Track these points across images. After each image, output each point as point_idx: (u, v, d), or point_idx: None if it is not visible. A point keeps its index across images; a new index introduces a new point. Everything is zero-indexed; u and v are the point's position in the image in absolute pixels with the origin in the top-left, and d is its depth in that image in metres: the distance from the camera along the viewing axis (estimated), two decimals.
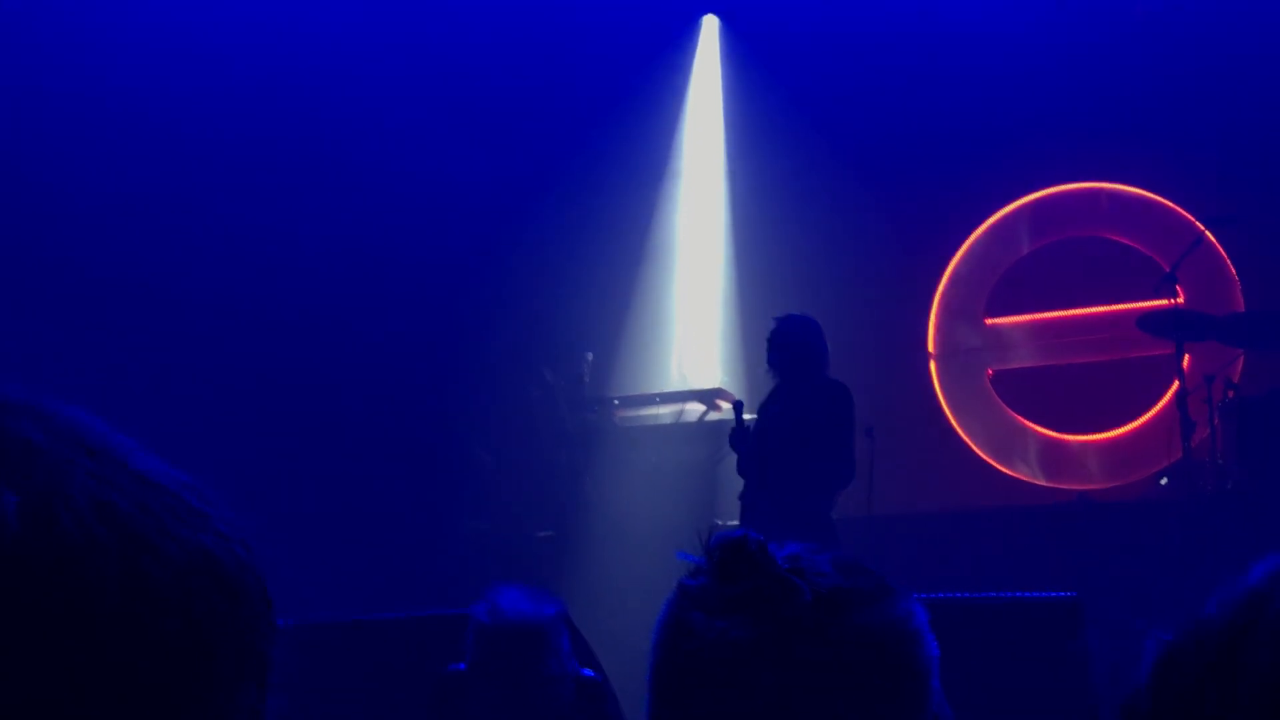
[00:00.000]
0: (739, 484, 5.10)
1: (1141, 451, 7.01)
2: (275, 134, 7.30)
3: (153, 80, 7.05)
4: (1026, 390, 7.54)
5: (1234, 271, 7.09)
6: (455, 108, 7.65)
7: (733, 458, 5.13)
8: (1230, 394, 5.72)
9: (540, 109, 7.77)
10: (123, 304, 6.94)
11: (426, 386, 7.24)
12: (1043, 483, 7.33)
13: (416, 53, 7.63)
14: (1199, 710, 0.60)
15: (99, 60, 6.97)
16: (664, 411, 7.20)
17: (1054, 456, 7.39)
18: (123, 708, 0.50)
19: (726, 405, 6.54)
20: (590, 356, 7.32)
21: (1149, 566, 5.32)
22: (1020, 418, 7.50)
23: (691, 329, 8.03)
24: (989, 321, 7.69)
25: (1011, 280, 7.67)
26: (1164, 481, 5.99)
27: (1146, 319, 6.01)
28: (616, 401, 7.27)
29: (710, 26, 8.46)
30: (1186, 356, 5.95)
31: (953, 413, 7.63)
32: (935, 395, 7.69)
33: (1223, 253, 7.01)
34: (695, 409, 7.11)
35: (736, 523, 5.05)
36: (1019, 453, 7.46)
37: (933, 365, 7.75)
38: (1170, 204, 7.28)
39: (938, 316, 7.77)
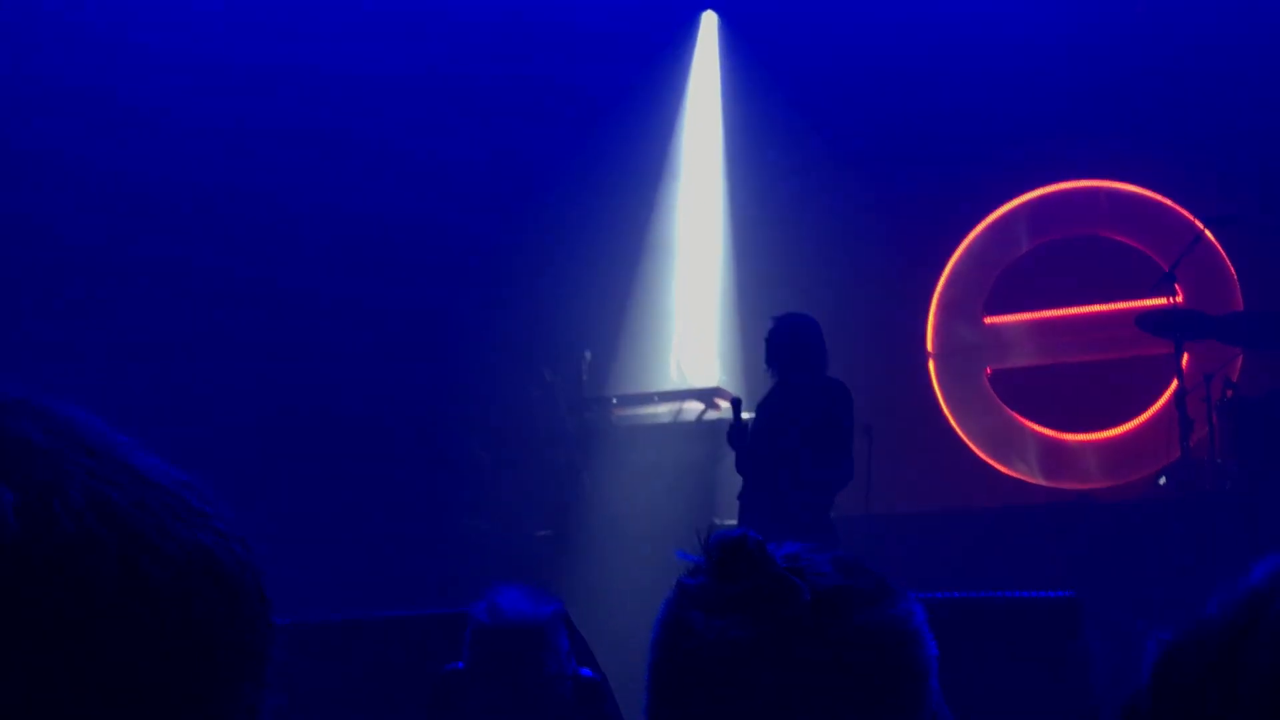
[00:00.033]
0: (738, 483, 5.09)
1: (1140, 451, 7.01)
2: (275, 133, 7.30)
3: (153, 75, 7.05)
4: (1025, 389, 7.54)
5: (1233, 271, 7.09)
6: (454, 106, 7.65)
7: (731, 457, 5.12)
8: (1229, 393, 5.72)
9: (539, 107, 7.77)
10: (122, 301, 6.94)
11: (425, 385, 7.24)
12: (1041, 482, 7.33)
13: (415, 50, 7.63)
14: (1200, 710, 0.60)
15: (99, 54, 6.96)
16: (662, 410, 7.20)
17: (1053, 456, 7.39)
18: (121, 706, 0.50)
19: (725, 404, 6.54)
20: (589, 355, 7.32)
21: (1148, 565, 5.32)
22: (1019, 417, 7.51)
23: (690, 327, 8.03)
24: (988, 320, 7.69)
25: (1010, 279, 7.67)
26: (1163, 481, 5.99)
27: (1145, 318, 6.01)
28: (615, 400, 7.27)
29: (709, 23, 8.45)
30: (1185, 355, 5.95)
31: (951, 412, 7.63)
32: (934, 394, 7.69)
33: (1222, 252, 7.02)
34: (694, 408, 7.11)
35: (735, 522, 5.05)
36: (1018, 452, 7.46)
37: (931, 364, 7.75)
38: (1169, 203, 7.28)
39: (936, 315, 7.77)
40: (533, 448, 6.97)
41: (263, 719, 0.57)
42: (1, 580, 0.49)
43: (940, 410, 7.64)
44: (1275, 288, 6.71)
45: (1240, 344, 6.23)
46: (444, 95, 7.62)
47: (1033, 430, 7.46)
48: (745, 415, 5.17)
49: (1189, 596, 4.43)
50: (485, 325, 7.43)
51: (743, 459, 5.00)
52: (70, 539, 0.50)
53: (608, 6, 7.87)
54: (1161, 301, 6.05)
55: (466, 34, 7.75)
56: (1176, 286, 5.94)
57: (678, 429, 6.96)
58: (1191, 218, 6.77)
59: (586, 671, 2.53)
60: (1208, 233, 6.21)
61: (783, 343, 5.03)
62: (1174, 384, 5.94)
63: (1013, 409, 7.53)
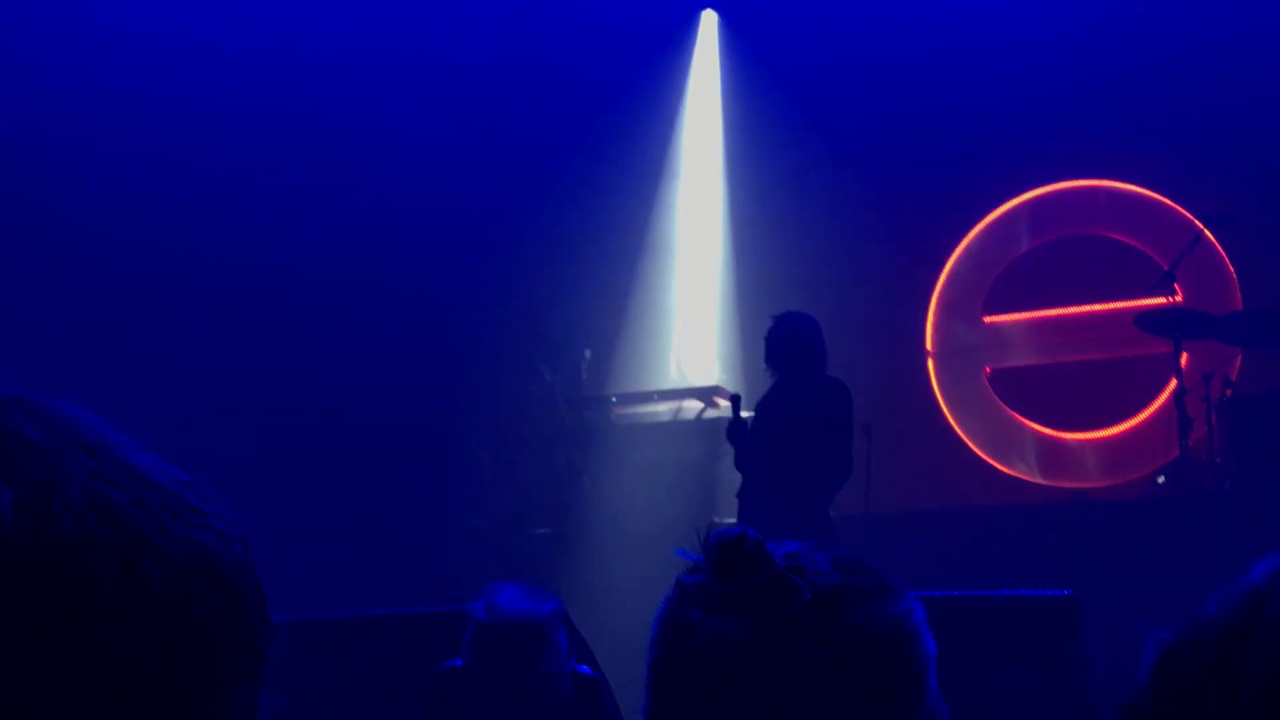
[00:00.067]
0: (737, 481, 5.09)
1: (1139, 450, 7.01)
2: (274, 129, 7.29)
3: (153, 80, 7.04)
4: (1024, 388, 7.54)
5: (1232, 270, 7.09)
6: (453, 105, 7.64)
7: (730, 455, 5.12)
8: (1228, 392, 5.72)
9: (538, 106, 7.76)
10: (122, 301, 6.93)
11: (425, 384, 7.24)
12: (1040, 481, 7.33)
13: (414, 49, 7.63)
14: (1199, 710, 0.60)
15: (99, 59, 6.96)
16: (662, 409, 7.20)
17: (1052, 455, 7.39)
18: (120, 705, 0.50)
19: (724, 402, 6.54)
20: (588, 354, 7.32)
21: (1146, 564, 5.32)
22: (1018, 416, 7.51)
23: (690, 326, 8.03)
24: (987, 319, 7.69)
25: (1010, 278, 7.67)
26: (1161, 480, 5.99)
27: (1144, 317, 6.02)
28: (614, 399, 7.27)
29: (709, 22, 8.45)
30: (1184, 355, 5.95)
31: (950, 411, 7.63)
32: (933, 393, 7.69)
33: (1221, 251, 7.02)
34: (693, 406, 7.11)
35: (735, 520, 5.05)
36: (1017, 451, 7.46)
37: (931, 363, 7.75)
38: (1169, 202, 7.28)
39: (936, 314, 7.77)
40: (532, 446, 6.97)
41: (262, 718, 0.57)
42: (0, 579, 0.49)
43: (939, 409, 7.64)
44: (1275, 287, 6.72)
45: (1239, 343, 6.23)
46: (445, 96, 7.61)
47: (1032, 429, 7.46)
48: (745, 414, 5.17)
49: (1188, 595, 4.43)
50: (485, 323, 7.43)
51: (742, 456, 5.00)
52: (69, 538, 0.50)
53: (608, 5, 7.87)
54: (1161, 301, 6.05)
55: (466, 33, 7.75)
56: (1176, 286, 5.94)
57: (677, 427, 6.96)
58: (1191, 217, 6.77)
59: (585, 669, 2.53)
60: (1207, 232, 6.21)
61: (782, 341, 5.03)
62: (1173, 383, 5.94)
63: (1012, 408, 7.53)
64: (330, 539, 6.47)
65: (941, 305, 7.76)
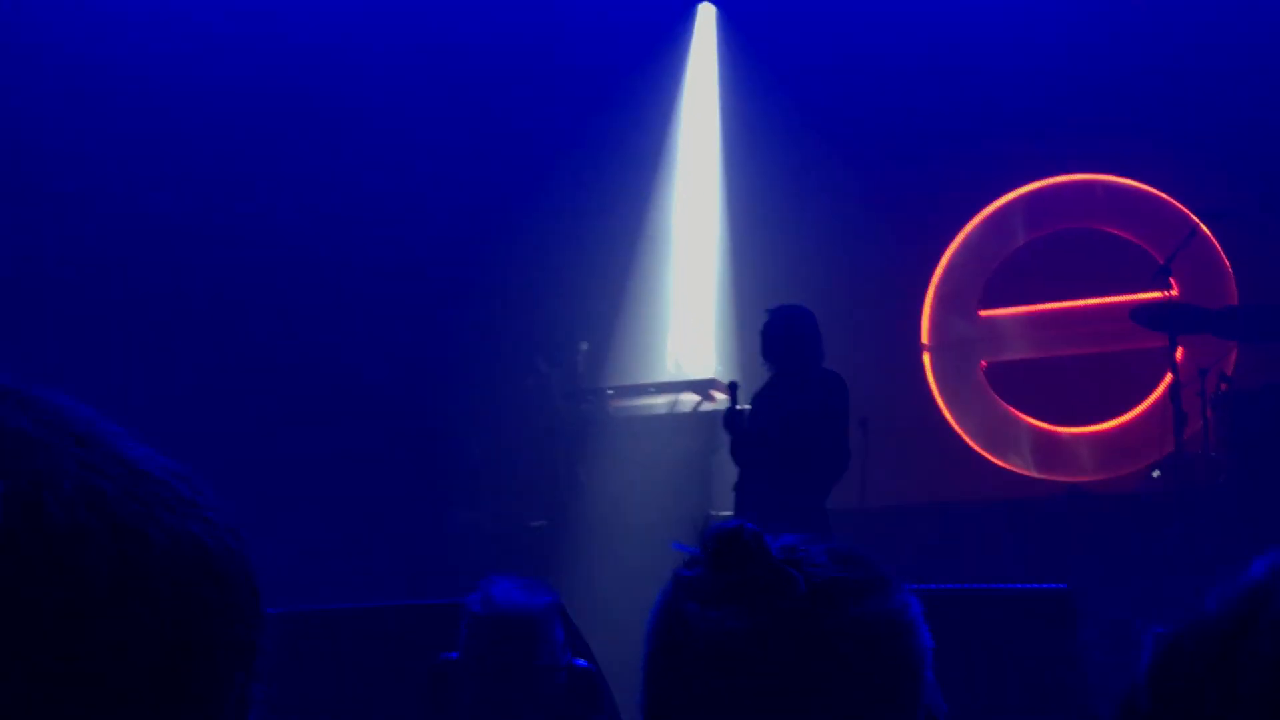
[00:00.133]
0: (733, 474, 5.09)
1: (1134, 444, 7.02)
2: (267, 120, 7.27)
3: (152, 79, 7.04)
4: (1020, 382, 7.55)
5: (1228, 265, 7.09)
6: (451, 98, 7.63)
7: (727, 447, 5.12)
8: (1223, 387, 5.73)
9: (536, 99, 7.75)
10: (119, 292, 6.92)
11: (421, 376, 7.23)
12: (1035, 475, 7.34)
13: (410, 43, 7.61)
14: (1199, 707, 0.60)
15: (96, 52, 6.94)
16: (658, 402, 7.20)
17: (1047, 448, 7.40)
18: (111, 696, 0.50)
19: (721, 395, 6.54)
20: (585, 346, 7.31)
21: (1141, 558, 5.33)
22: (1013, 410, 7.51)
23: (686, 319, 8.03)
24: (983, 313, 7.69)
25: (1006, 272, 7.67)
26: (1156, 474, 6.00)
27: (1140, 312, 6.02)
28: (611, 391, 7.26)
29: (706, 15, 8.44)
30: (1180, 349, 5.96)
31: (946, 404, 7.64)
32: (929, 387, 7.69)
33: (1217, 246, 7.02)
34: (689, 399, 7.11)
35: (731, 513, 5.05)
36: (1012, 444, 7.47)
37: (926, 357, 7.75)
38: (1165, 197, 7.29)
39: (932, 308, 7.77)
40: (528, 439, 6.97)
41: (253, 709, 0.57)
42: None
43: (935, 403, 7.64)
44: (1270, 281, 6.72)
45: (1235, 338, 6.24)
46: (442, 89, 7.60)
47: (1027, 423, 7.47)
48: (742, 407, 5.16)
49: (1183, 589, 4.46)
50: (482, 316, 7.42)
51: (738, 444, 4.99)
52: (60, 530, 0.50)
53: (605, 1, 7.85)
54: (1156, 295, 6.06)
55: (464, 27, 7.73)
56: (1171, 280, 5.94)
57: (673, 420, 6.96)
58: (1187, 212, 6.77)
59: (581, 662, 2.52)
60: (1203, 227, 6.22)
61: (778, 335, 5.03)
62: (1168, 377, 5.95)
63: (1007, 402, 7.54)
64: (326, 531, 6.46)
65: (937, 299, 7.76)
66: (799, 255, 7.47)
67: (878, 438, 6.04)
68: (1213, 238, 6.86)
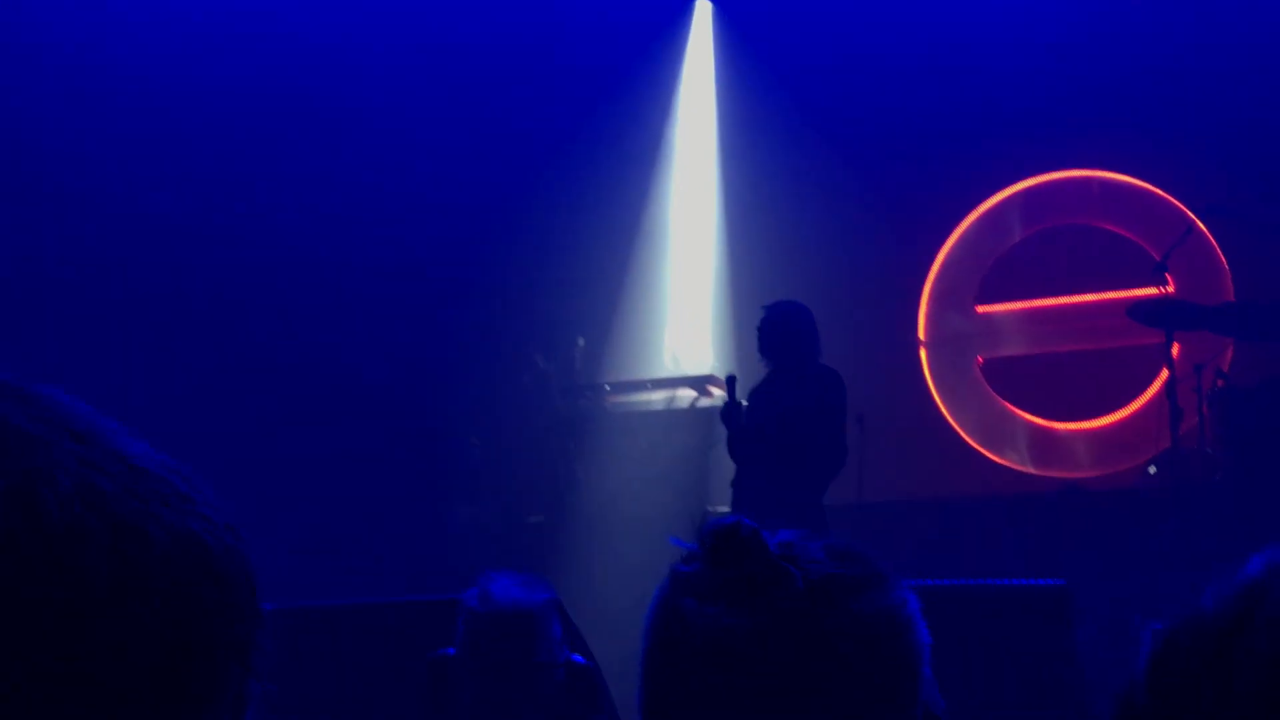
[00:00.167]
0: (730, 470, 5.09)
1: (1131, 440, 7.03)
2: (266, 120, 7.26)
3: (152, 79, 7.03)
4: (1016, 378, 7.55)
5: (1224, 261, 7.10)
6: (448, 95, 7.62)
7: (724, 443, 5.11)
8: (1219, 383, 5.74)
9: (533, 96, 7.74)
10: (119, 292, 6.92)
11: (419, 372, 7.23)
12: (1032, 471, 7.35)
13: (407, 40, 7.60)
14: (1196, 703, 0.59)
15: (96, 56, 6.94)
16: (656, 397, 7.19)
17: (1043, 444, 7.41)
18: (109, 693, 0.50)
19: (718, 391, 6.54)
20: (582, 342, 7.31)
21: (1138, 554, 5.34)
22: (1010, 405, 7.52)
23: (684, 315, 8.03)
24: (980, 309, 7.70)
25: (1003, 268, 7.68)
26: (1152, 470, 6.01)
27: (1136, 308, 6.03)
28: (608, 387, 7.26)
29: (704, 11, 8.43)
30: (1176, 345, 5.97)
31: (943, 400, 7.64)
32: (925, 383, 7.69)
33: (1213, 242, 7.03)
34: (687, 395, 7.10)
35: (728, 509, 5.04)
36: (1008, 440, 7.47)
37: (923, 353, 7.76)
38: (1161, 193, 7.29)
39: (928, 304, 7.77)
40: (526, 434, 6.97)
41: (252, 705, 0.57)
42: None
43: (932, 399, 7.65)
44: (1266, 278, 6.73)
45: (1231, 334, 6.24)
46: (440, 85, 7.59)
47: (1023, 419, 7.48)
48: (740, 401, 5.15)
49: (1178, 585, 4.47)
50: (478, 312, 7.42)
51: (735, 439, 4.98)
52: (58, 527, 0.50)
53: None
54: (1153, 291, 6.06)
55: (461, 24, 7.72)
56: (1168, 276, 5.95)
57: (671, 416, 6.96)
58: (1183, 208, 6.78)
59: (578, 658, 2.52)
60: (1199, 223, 6.23)
61: (775, 330, 5.02)
62: (1164, 374, 5.96)
63: (1004, 398, 7.54)
64: (324, 527, 6.46)
65: (934, 294, 7.77)
66: (795, 251, 7.47)
67: (875, 434, 6.04)
68: (1209, 234, 6.87)
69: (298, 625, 3.29)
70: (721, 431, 5.12)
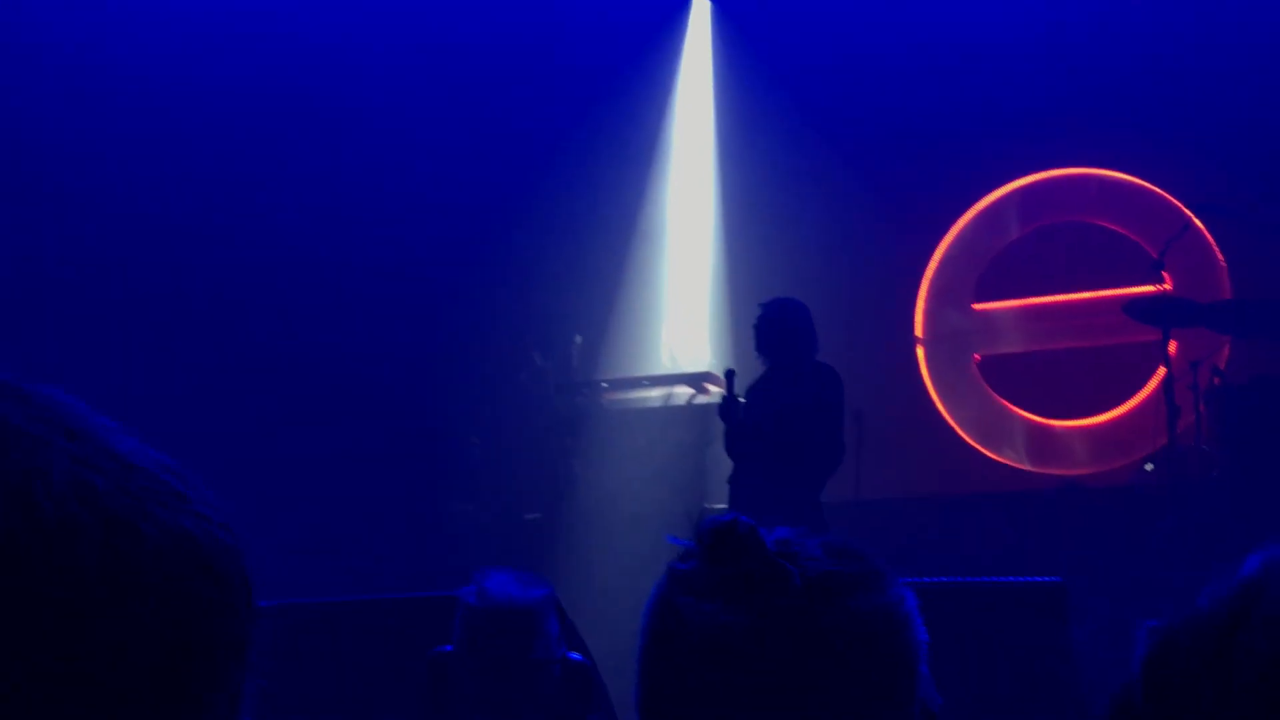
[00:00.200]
0: (728, 467, 5.08)
1: (1128, 437, 7.03)
2: (263, 118, 7.25)
3: (152, 79, 7.03)
4: (1013, 375, 7.55)
5: (1221, 258, 7.10)
6: (445, 94, 7.61)
7: (721, 440, 5.10)
8: (1216, 380, 5.74)
9: (530, 92, 7.73)
10: (119, 292, 6.92)
11: (416, 369, 7.22)
12: (1029, 468, 7.35)
13: (404, 36, 7.59)
14: (1194, 703, 0.60)
15: (96, 56, 6.93)
16: (653, 395, 7.19)
17: (1040, 442, 7.41)
18: (103, 691, 0.50)
19: (715, 388, 6.54)
20: (579, 339, 7.30)
21: (1135, 552, 5.34)
22: (1007, 403, 7.52)
23: (681, 312, 8.02)
24: (977, 306, 7.70)
25: (1000, 265, 7.67)
26: (1149, 467, 6.01)
27: (1133, 305, 6.02)
28: (605, 384, 7.26)
29: (701, 8, 8.42)
30: (1173, 343, 5.96)
31: (940, 398, 7.64)
32: (922, 380, 7.69)
33: (1210, 240, 7.03)
34: (684, 392, 7.10)
35: (725, 506, 5.04)
36: (1005, 438, 7.47)
37: (920, 350, 7.75)
38: (1159, 191, 7.29)
39: (925, 301, 7.77)
40: (523, 432, 6.96)
41: (246, 703, 0.57)
42: None
43: (929, 396, 7.64)
44: (1263, 276, 6.73)
45: (1228, 331, 6.25)
46: (435, 81, 7.58)
47: (1021, 416, 7.48)
48: (739, 396, 5.14)
49: (1176, 582, 4.47)
50: (476, 308, 7.41)
51: (732, 436, 4.96)
52: (51, 524, 0.49)
53: None
54: (1150, 289, 6.06)
55: (458, 23, 7.71)
56: (1165, 274, 5.95)
57: (668, 413, 6.95)
58: (1180, 205, 6.78)
59: (575, 656, 2.52)
60: (1196, 220, 6.22)
61: (772, 327, 5.02)
62: (1161, 371, 5.96)
63: (1001, 395, 7.54)
64: (321, 524, 6.45)
65: (931, 292, 7.76)
66: (793, 248, 7.46)
67: (872, 431, 6.04)
68: (1206, 231, 6.87)
69: (296, 622, 3.29)
70: (718, 429, 5.11)
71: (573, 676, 2.45)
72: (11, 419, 0.52)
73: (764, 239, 7.68)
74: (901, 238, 7.68)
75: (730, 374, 5.08)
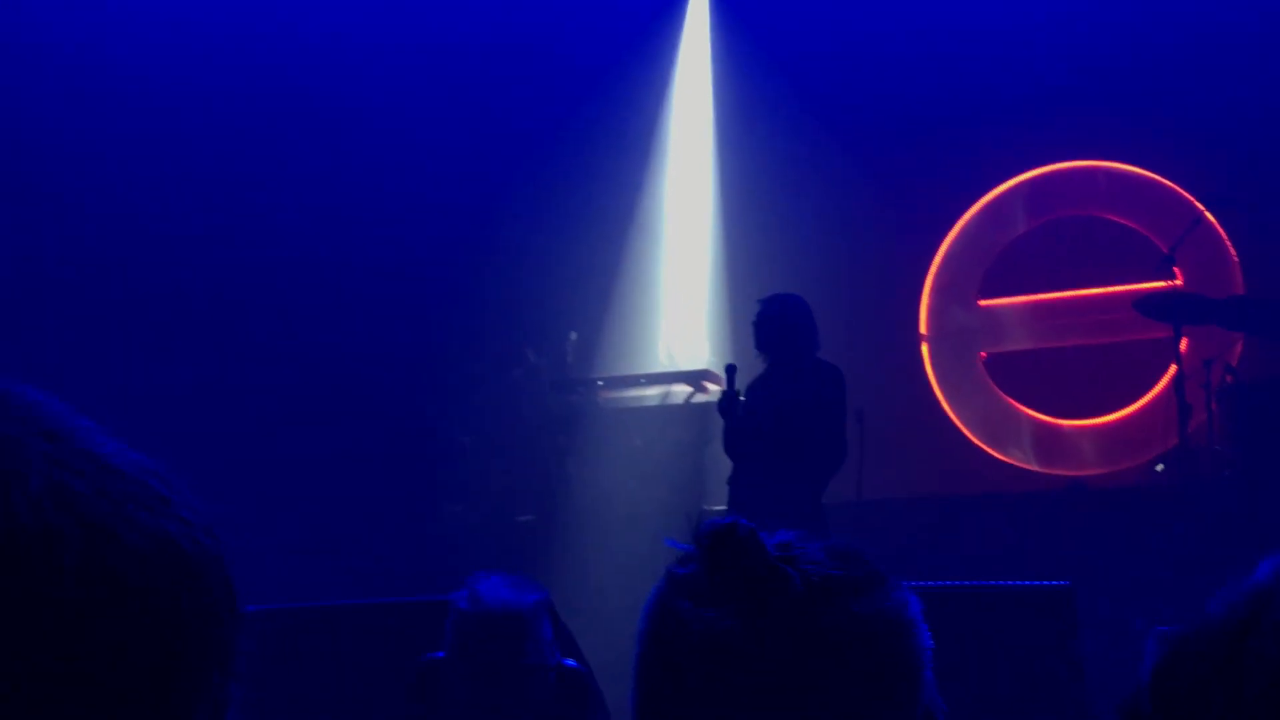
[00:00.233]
0: (726, 467, 5.01)
1: (1138, 437, 6.97)
2: (260, 116, 7.24)
3: (152, 79, 7.05)
4: (1020, 373, 7.50)
5: (1234, 254, 7.03)
6: (440, 87, 7.58)
7: (719, 439, 5.04)
8: (1228, 378, 5.68)
9: (526, 86, 7.70)
10: (119, 292, 6.93)
11: (409, 367, 7.19)
12: (1037, 468, 7.29)
13: (401, 29, 7.57)
14: (1204, 709, 0.58)
15: (96, 56, 6.93)
16: (650, 393, 7.13)
17: (1048, 441, 7.35)
18: (84, 697, 0.50)
19: (713, 386, 6.48)
20: (574, 336, 7.25)
21: (1145, 554, 5.27)
22: (1014, 402, 7.46)
23: (678, 310, 7.97)
24: (982, 303, 7.63)
25: (1006, 260, 7.61)
26: (1160, 468, 5.95)
27: (1144, 301, 5.97)
28: (601, 383, 7.20)
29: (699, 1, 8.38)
30: (1184, 340, 5.91)
31: (945, 396, 7.58)
32: (927, 378, 7.63)
33: (1223, 234, 6.96)
34: (681, 391, 7.04)
35: (725, 508, 4.97)
36: (1012, 437, 7.41)
37: (925, 347, 7.70)
38: (1169, 184, 7.22)
39: (930, 297, 7.71)
40: (517, 431, 6.90)
41: (231, 708, 0.56)
42: None
43: (934, 395, 7.59)
44: (1277, 271, 6.66)
45: (1241, 328, 6.18)
46: (431, 76, 7.56)
47: (1028, 415, 7.42)
48: (739, 392, 5.07)
49: (1187, 585, 4.38)
50: (469, 306, 7.37)
51: (731, 433, 4.88)
52: (28, 529, 0.49)
53: None
54: (1160, 285, 6.00)
55: (455, 14, 7.68)
56: (1176, 269, 5.89)
57: (665, 412, 6.89)
58: (1192, 199, 6.71)
59: (570, 662, 2.47)
60: (1208, 214, 6.16)
61: (772, 324, 4.94)
62: (1172, 369, 5.89)
63: (1008, 394, 7.48)
64: (313, 527, 6.42)
65: (936, 288, 7.70)
66: (793, 243, 7.41)
67: (875, 430, 5.97)
68: (1218, 226, 6.80)
69: (287, 626, 3.28)
70: (717, 428, 5.04)
71: (568, 683, 2.41)
72: None
73: (763, 233, 7.64)
74: (905, 232, 7.62)
75: (731, 369, 4.99)
